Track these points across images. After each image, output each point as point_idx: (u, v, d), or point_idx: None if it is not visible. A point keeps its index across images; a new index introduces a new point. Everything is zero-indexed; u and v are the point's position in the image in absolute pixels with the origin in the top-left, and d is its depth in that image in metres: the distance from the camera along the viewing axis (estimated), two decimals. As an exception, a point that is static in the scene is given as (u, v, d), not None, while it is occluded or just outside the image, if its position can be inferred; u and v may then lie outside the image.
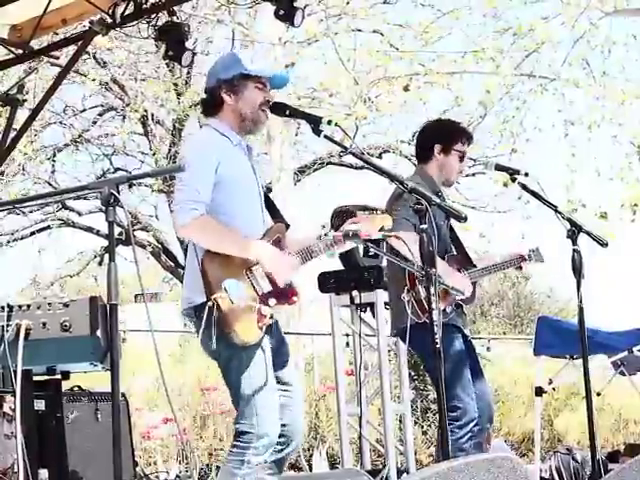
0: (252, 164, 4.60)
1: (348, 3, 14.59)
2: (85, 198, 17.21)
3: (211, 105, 4.58)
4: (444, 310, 5.39)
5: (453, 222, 5.66)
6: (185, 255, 4.78)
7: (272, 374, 4.41)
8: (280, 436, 4.43)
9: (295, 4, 6.83)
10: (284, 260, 4.41)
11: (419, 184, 4.54)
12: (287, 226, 4.61)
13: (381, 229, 4.60)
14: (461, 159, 5.66)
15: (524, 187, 5.25)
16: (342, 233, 4.45)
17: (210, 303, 4.22)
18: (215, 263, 4.30)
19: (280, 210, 4.74)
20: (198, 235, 4.34)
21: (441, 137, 5.65)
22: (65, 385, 5.78)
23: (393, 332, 5.73)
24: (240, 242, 4.38)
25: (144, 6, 7.09)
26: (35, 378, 5.33)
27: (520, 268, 5.84)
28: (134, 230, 17.56)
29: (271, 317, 4.38)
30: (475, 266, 5.69)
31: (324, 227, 4.55)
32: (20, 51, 7.60)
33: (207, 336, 4.22)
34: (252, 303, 4.31)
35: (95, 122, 18.10)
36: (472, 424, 5.36)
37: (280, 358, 4.53)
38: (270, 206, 4.66)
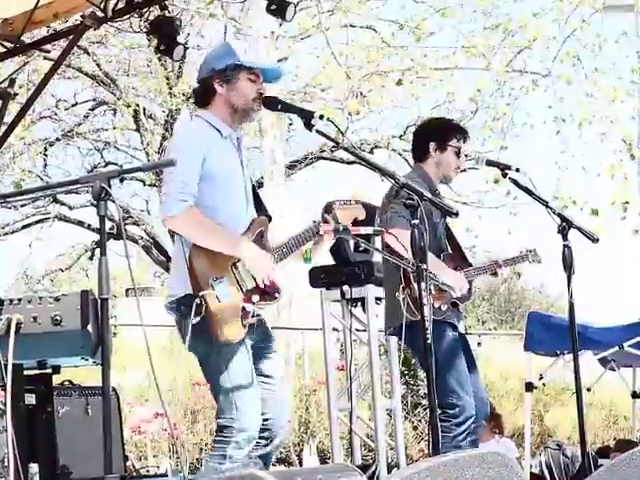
0: (241, 157, 4.60)
1: (341, -2, 14.60)
2: (76, 192, 17.25)
3: (203, 95, 4.57)
4: (438, 307, 5.40)
5: (448, 220, 5.69)
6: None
7: (252, 368, 4.39)
8: (264, 430, 4.41)
9: (287, -1, 6.81)
10: (267, 261, 4.40)
11: (413, 181, 4.55)
12: (269, 219, 4.61)
13: (354, 221, 4.60)
14: (457, 155, 5.69)
15: (515, 182, 5.26)
16: (332, 228, 4.45)
17: (197, 300, 4.22)
18: (202, 258, 4.29)
19: (266, 204, 4.74)
20: (186, 227, 4.33)
21: (435, 135, 5.72)
22: (56, 379, 5.76)
23: (389, 330, 5.71)
24: (228, 239, 4.37)
25: (136, 0, 7.08)
26: (26, 372, 5.31)
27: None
28: (125, 224, 17.54)
29: (254, 315, 4.39)
30: (471, 265, 5.72)
31: (315, 222, 4.54)
32: (11, 45, 7.57)
33: (186, 331, 4.22)
34: (238, 301, 4.32)
35: (87, 116, 18.08)
36: (470, 421, 5.37)
37: (262, 350, 4.52)
38: (255, 199, 4.65)
